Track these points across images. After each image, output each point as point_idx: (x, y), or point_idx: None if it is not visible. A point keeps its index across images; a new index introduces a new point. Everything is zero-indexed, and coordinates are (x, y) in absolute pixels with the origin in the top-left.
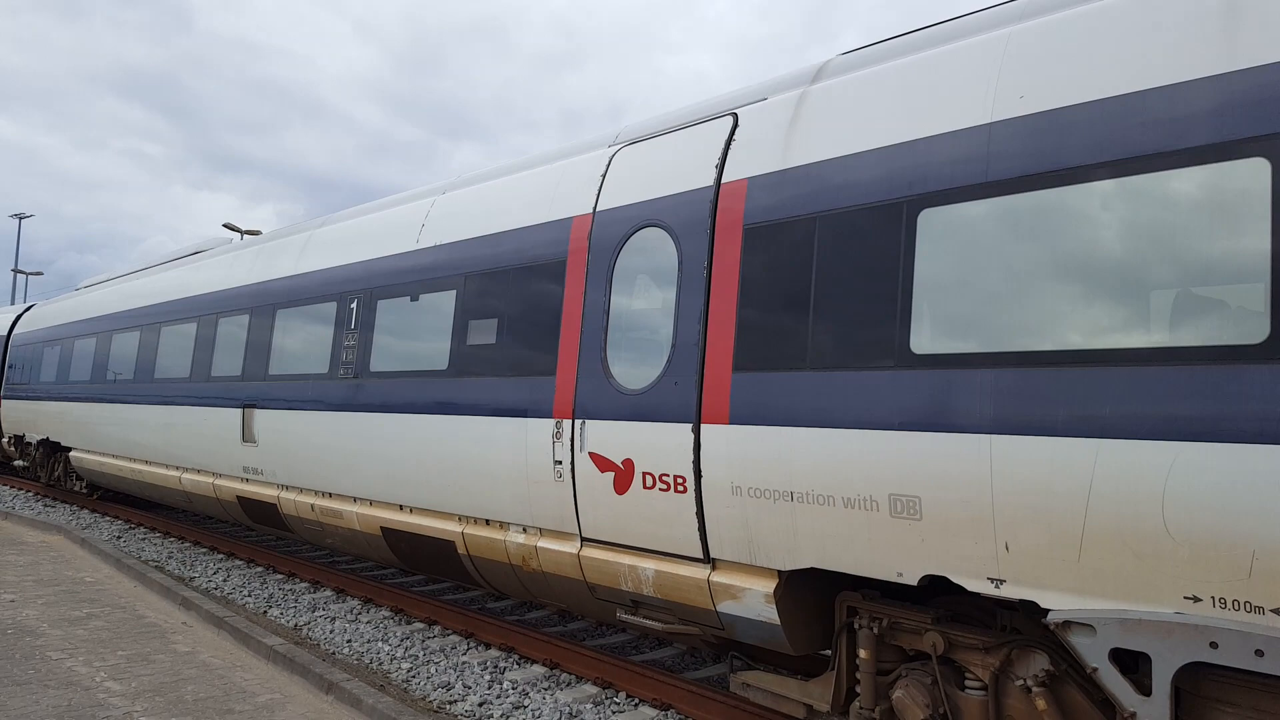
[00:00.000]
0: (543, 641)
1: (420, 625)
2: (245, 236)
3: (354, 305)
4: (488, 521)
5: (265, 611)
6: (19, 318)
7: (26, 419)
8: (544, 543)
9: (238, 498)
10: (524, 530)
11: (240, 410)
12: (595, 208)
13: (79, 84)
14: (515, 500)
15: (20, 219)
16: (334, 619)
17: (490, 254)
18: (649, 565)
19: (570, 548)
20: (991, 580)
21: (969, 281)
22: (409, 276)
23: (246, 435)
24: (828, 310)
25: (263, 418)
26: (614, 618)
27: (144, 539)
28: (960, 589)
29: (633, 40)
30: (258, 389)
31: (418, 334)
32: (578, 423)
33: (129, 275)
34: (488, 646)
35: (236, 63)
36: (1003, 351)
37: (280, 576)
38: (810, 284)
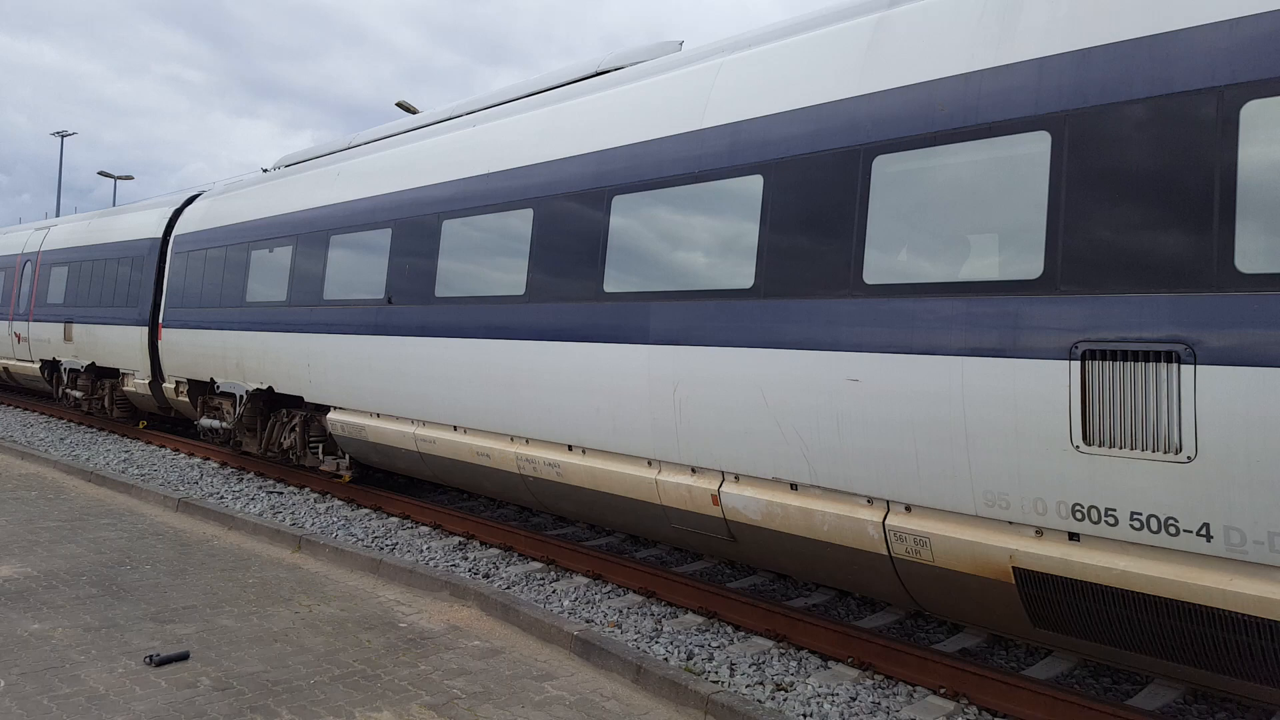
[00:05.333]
0: None
1: None
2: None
3: None
4: None
5: None
6: (178, 213)
7: (213, 358)
8: None
9: (1033, 577)
10: None
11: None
12: None
13: (122, 8)
14: None
15: (63, 137)
16: None
17: None
18: None
19: None
20: None
21: None
22: None
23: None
24: None
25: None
26: None
27: (528, 572)
28: None
29: None
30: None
31: None
32: None
33: (441, 123)
34: None
35: None
36: None
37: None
38: None
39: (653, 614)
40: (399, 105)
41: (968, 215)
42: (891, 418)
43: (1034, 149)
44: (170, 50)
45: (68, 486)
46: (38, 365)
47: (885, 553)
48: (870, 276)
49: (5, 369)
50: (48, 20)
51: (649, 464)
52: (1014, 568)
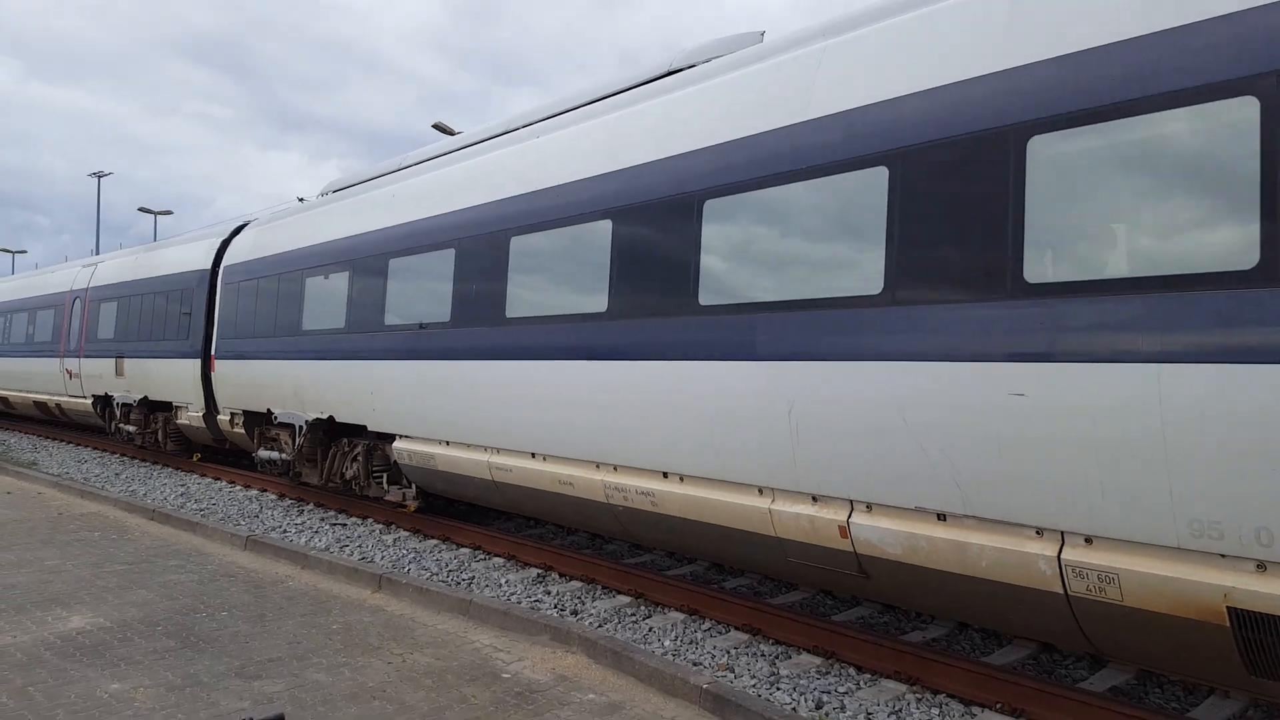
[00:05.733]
0: None
1: None
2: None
3: None
4: None
5: None
6: (225, 244)
7: (269, 389)
8: None
9: None
10: None
11: None
12: None
13: (148, 51)
14: None
15: (100, 177)
16: None
17: None
18: None
19: None
20: None
21: None
22: None
23: None
24: None
25: None
26: None
27: (616, 607)
28: None
29: None
30: None
31: None
32: None
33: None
34: None
35: (299, 21)
36: None
37: None
38: None
39: (764, 654)
40: (435, 127)
41: (1150, 199)
42: (1067, 437)
43: (1237, 117)
44: (197, 88)
45: (130, 526)
46: (90, 401)
47: (1060, 590)
48: (1033, 275)
49: (57, 405)
50: (79, 65)
51: (760, 492)
52: (1229, 608)
